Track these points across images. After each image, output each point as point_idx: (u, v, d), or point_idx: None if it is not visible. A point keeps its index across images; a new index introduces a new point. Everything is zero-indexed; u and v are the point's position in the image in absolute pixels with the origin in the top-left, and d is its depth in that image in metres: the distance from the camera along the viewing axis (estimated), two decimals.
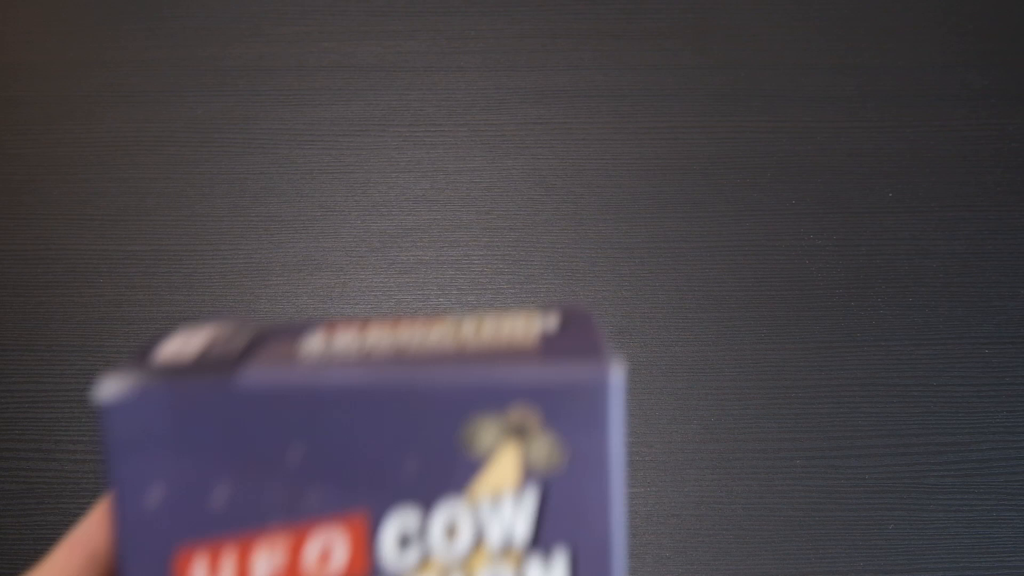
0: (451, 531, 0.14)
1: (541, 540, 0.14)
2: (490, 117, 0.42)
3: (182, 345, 0.14)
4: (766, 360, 0.37)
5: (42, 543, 0.33)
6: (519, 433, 0.13)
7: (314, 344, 0.14)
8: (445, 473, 0.13)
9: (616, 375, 0.13)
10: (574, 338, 0.13)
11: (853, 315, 0.38)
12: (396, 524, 0.14)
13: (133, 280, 0.38)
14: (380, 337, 0.14)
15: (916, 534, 0.34)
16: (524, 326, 0.14)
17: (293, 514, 0.13)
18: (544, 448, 0.13)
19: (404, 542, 0.14)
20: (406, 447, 0.13)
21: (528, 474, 0.13)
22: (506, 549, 0.14)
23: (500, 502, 0.14)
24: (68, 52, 0.44)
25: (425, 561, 0.14)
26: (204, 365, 0.13)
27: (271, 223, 0.40)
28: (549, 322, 0.14)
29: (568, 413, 0.13)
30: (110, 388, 0.13)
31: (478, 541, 0.14)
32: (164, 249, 0.39)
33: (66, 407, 0.36)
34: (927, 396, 0.37)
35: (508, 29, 0.44)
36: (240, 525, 0.13)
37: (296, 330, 0.14)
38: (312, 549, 0.14)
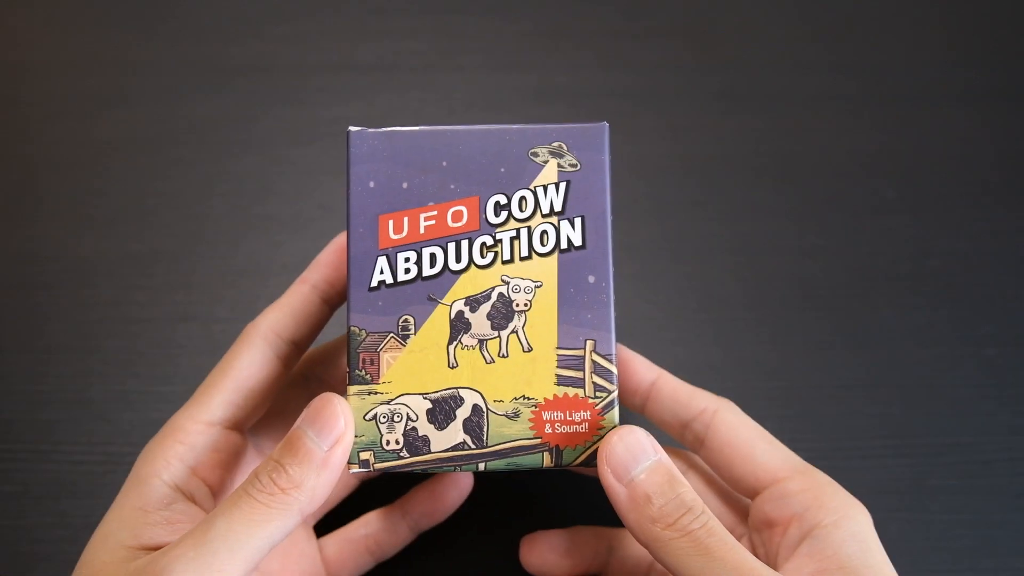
0: (522, 204, 0.25)
1: (567, 210, 0.25)
2: (490, 117, 0.42)
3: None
4: (766, 360, 0.37)
5: (39, 545, 0.33)
6: (557, 154, 0.25)
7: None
8: (520, 175, 0.25)
9: (605, 127, 0.25)
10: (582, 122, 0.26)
11: (854, 315, 0.38)
12: (493, 201, 0.25)
13: (132, 280, 0.38)
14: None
15: (918, 536, 0.34)
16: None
17: (441, 197, 0.25)
18: (569, 161, 0.25)
19: (497, 211, 0.25)
20: (500, 161, 0.25)
21: (561, 175, 0.25)
22: (549, 214, 0.25)
23: (547, 189, 0.25)
24: (68, 52, 0.44)
25: (507, 220, 0.25)
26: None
27: (271, 223, 0.40)
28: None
29: (582, 143, 0.25)
30: (354, 128, 0.25)
31: (535, 209, 0.25)
32: (164, 249, 0.39)
33: (64, 408, 0.36)
34: (929, 397, 0.37)
35: (508, 29, 0.44)
36: (413, 203, 0.25)
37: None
38: (450, 214, 0.25)
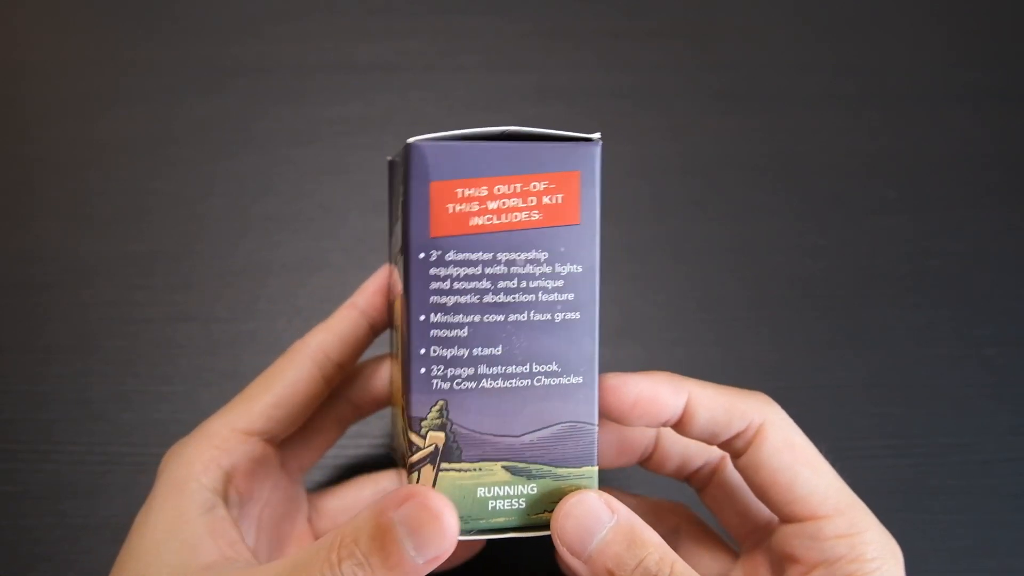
0: None
1: None
2: (490, 117, 0.42)
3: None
4: (766, 360, 0.37)
5: (39, 545, 0.33)
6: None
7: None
8: None
9: (418, 142, 0.22)
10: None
11: (854, 316, 0.38)
12: None
13: (132, 280, 0.38)
14: None
15: (919, 536, 0.34)
16: None
17: None
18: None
19: None
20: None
21: None
22: None
23: None
24: (68, 52, 0.44)
25: None
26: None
27: (271, 223, 0.40)
28: None
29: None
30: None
31: None
32: (163, 249, 0.39)
33: (64, 408, 0.36)
34: (929, 397, 0.37)
35: (508, 29, 0.44)
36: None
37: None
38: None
